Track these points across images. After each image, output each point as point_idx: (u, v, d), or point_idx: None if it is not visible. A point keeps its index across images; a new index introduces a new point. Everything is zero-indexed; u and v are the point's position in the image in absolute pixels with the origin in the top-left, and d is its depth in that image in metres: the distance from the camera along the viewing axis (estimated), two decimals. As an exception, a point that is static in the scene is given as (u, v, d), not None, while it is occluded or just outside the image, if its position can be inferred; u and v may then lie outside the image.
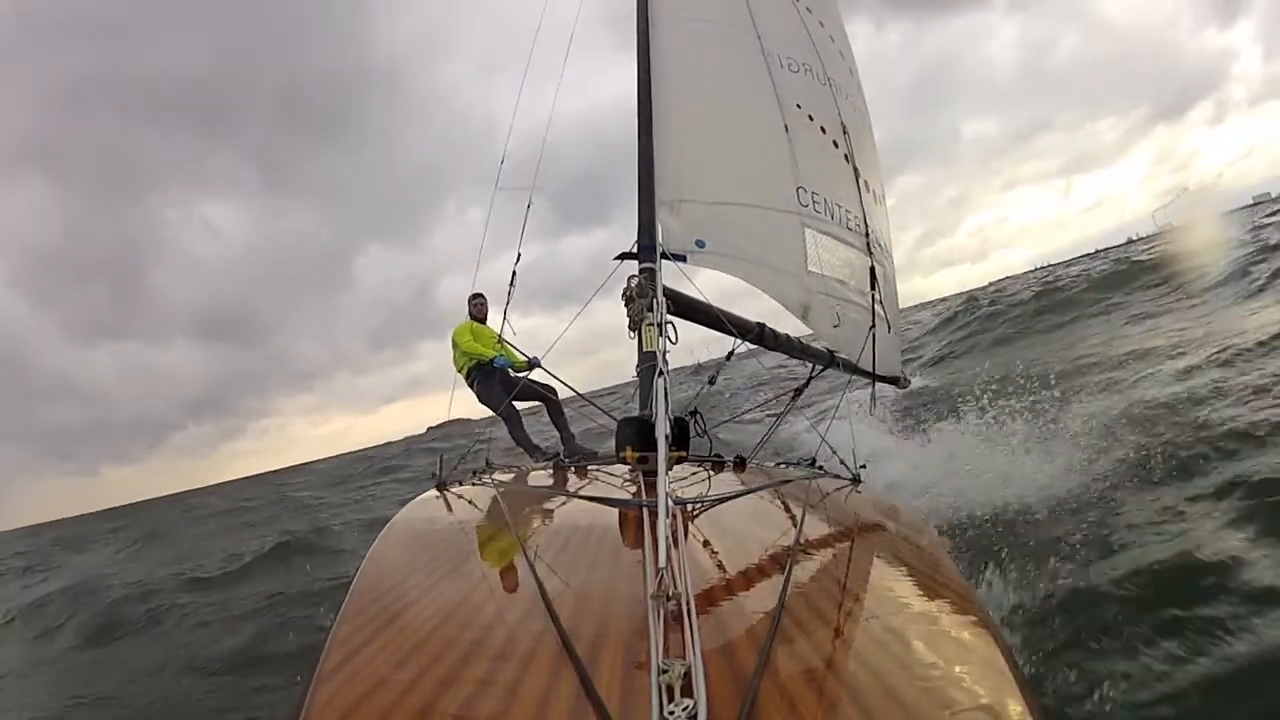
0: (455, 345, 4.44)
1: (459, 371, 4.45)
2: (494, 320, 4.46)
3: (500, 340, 4.08)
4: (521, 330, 3.74)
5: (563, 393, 4.34)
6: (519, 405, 4.51)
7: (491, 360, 4.28)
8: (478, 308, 4.52)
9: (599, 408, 3.47)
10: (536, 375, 3.99)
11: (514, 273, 3.52)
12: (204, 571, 7.21)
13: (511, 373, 4.31)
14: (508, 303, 3.55)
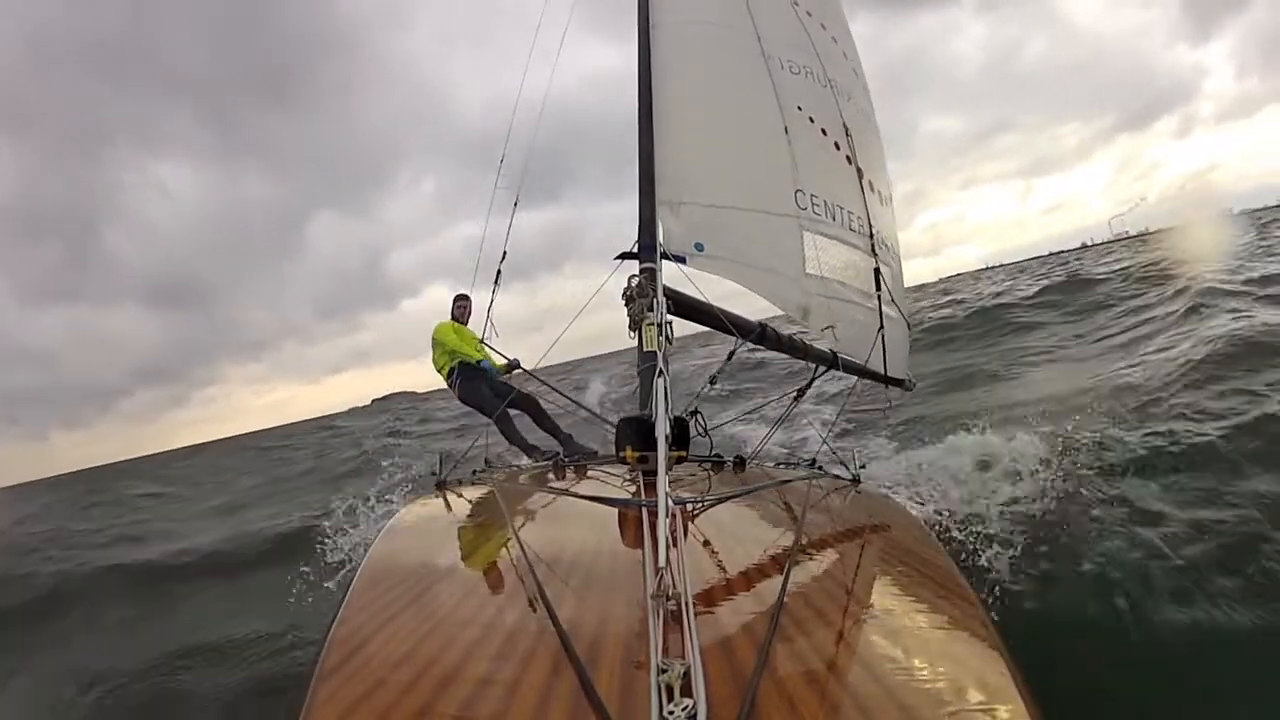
0: (438, 344, 4.42)
1: (439, 371, 4.44)
2: (475, 322, 4.43)
3: (482, 343, 4.01)
4: (479, 307, 3.60)
5: (547, 395, 4.33)
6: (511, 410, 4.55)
7: (478, 362, 4.29)
8: (461, 309, 4.53)
9: (573, 400, 3.42)
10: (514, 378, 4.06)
11: (498, 271, 3.45)
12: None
13: (495, 376, 4.32)
14: (490, 304, 3.50)
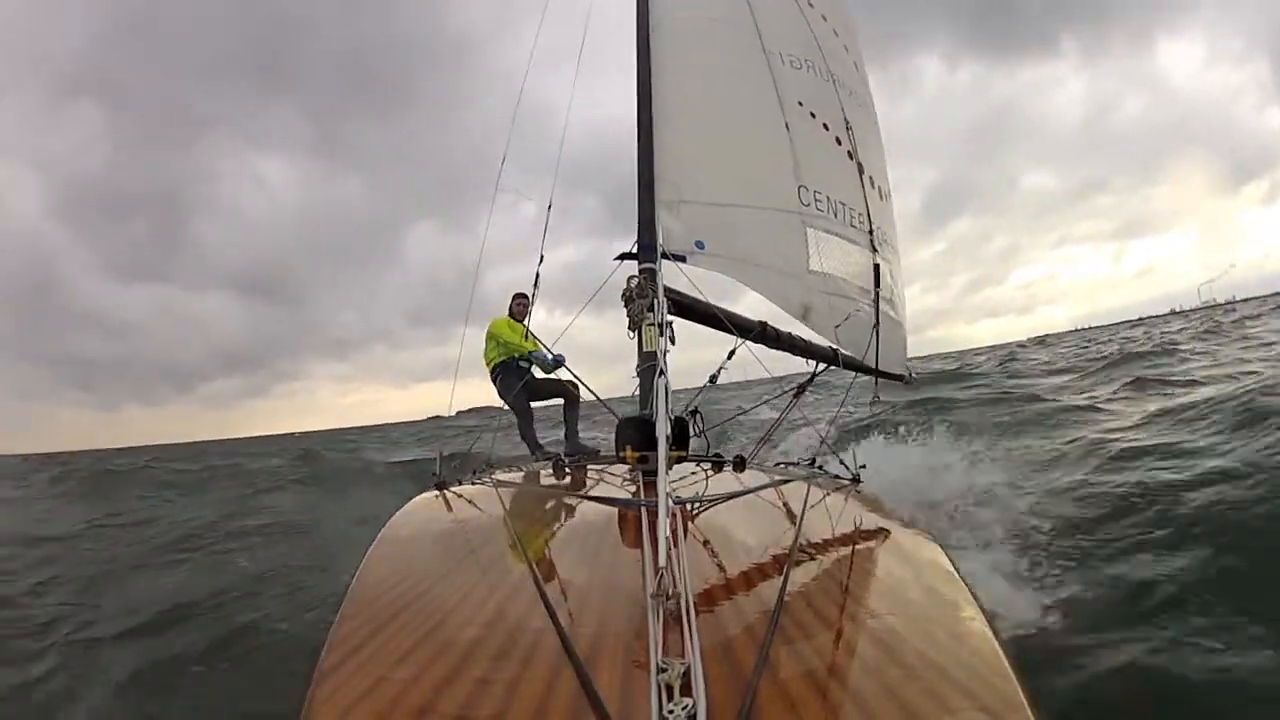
0: (492, 337, 4.57)
1: (488, 365, 4.60)
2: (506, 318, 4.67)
3: (529, 336, 4.29)
4: (557, 328, 3.92)
5: (583, 393, 4.46)
6: (541, 404, 4.68)
7: (526, 355, 4.43)
8: (519, 306, 4.66)
9: (611, 411, 3.50)
10: (561, 374, 4.21)
11: (537, 274, 3.67)
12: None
13: (538, 372, 4.44)
14: (531, 301, 3.76)
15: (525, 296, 4.60)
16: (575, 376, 4.19)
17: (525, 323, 4.36)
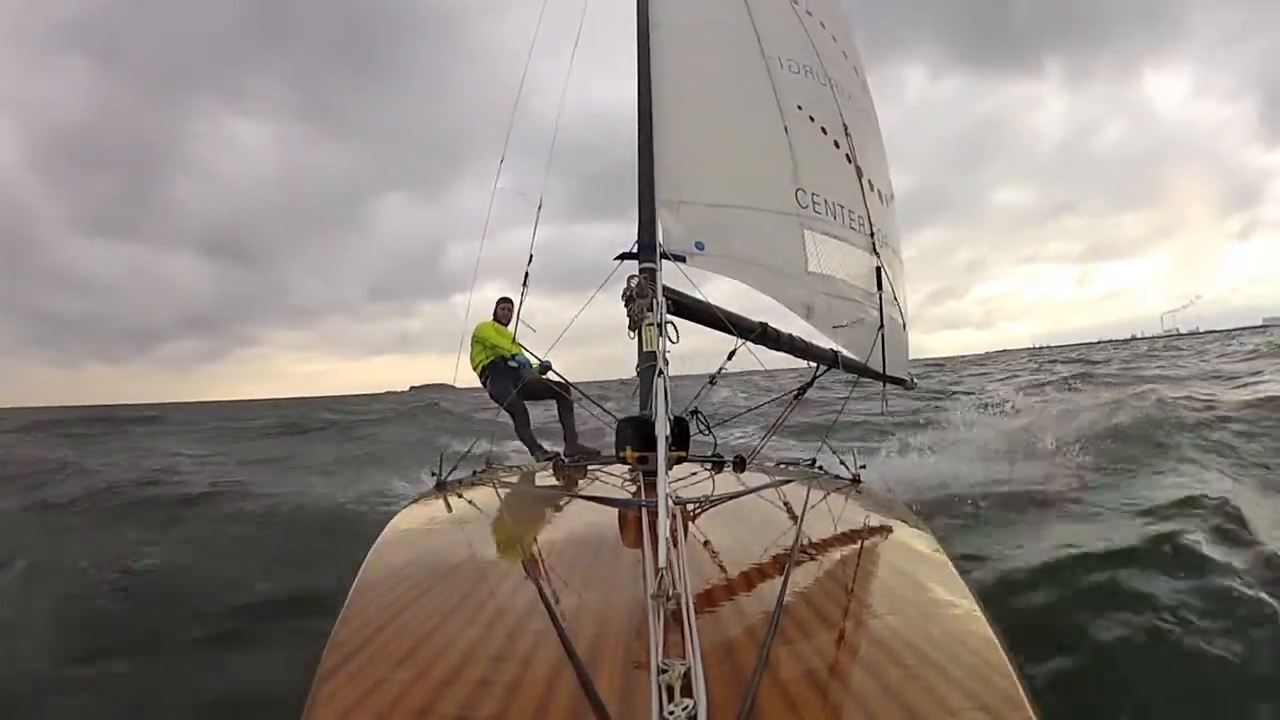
0: (479, 341, 4.62)
1: (475, 369, 4.63)
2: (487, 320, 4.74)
3: (514, 342, 4.21)
4: (528, 312, 3.86)
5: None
6: (535, 404, 4.73)
7: (511, 357, 4.48)
8: (504, 311, 4.72)
9: (601, 407, 3.52)
10: (554, 377, 4.23)
11: (526, 274, 3.57)
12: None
13: (526, 374, 4.46)
14: (520, 303, 3.66)
15: (510, 301, 4.71)
16: (562, 378, 4.22)
17: (512, 327, 4.37)
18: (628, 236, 2.70)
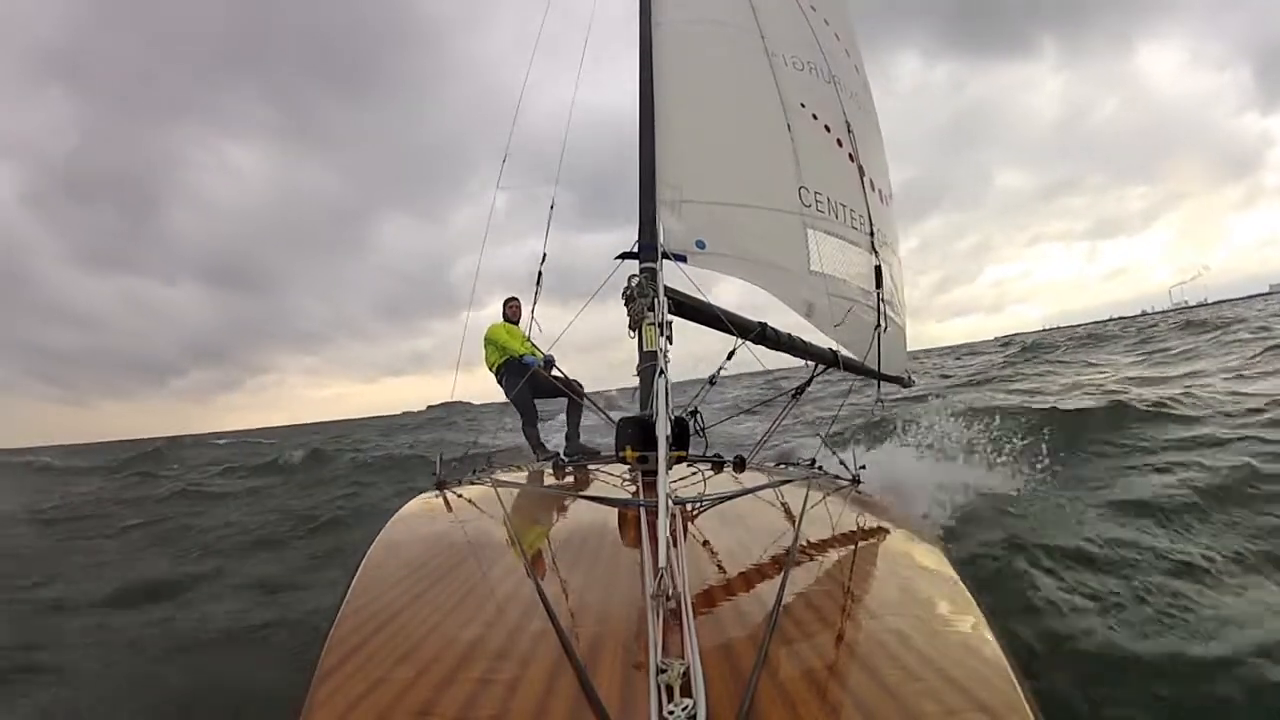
0: (491, 342, 4.70)
1: (490, 369, 4.72)
2: (499, 317, 4.87)
3: (526, 339, 4.45)
4: (540, 317, 3.98)
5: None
6: (550, 402, 4.83)
7: (521, 357, 4.55)
8: (512, 310, 4.81)
9: (598, 408, 3.53)
10: (558, 374, 4.35)
11: (539, 273, 3.71)
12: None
13: (539, 369, 4.54)
14: (534, 303, 3.80)
15: (517, 299, 4.83)
16: (563, 374, 4.29)
17: (524, 325, 4.47)
18: (631, 241, 2.70)
